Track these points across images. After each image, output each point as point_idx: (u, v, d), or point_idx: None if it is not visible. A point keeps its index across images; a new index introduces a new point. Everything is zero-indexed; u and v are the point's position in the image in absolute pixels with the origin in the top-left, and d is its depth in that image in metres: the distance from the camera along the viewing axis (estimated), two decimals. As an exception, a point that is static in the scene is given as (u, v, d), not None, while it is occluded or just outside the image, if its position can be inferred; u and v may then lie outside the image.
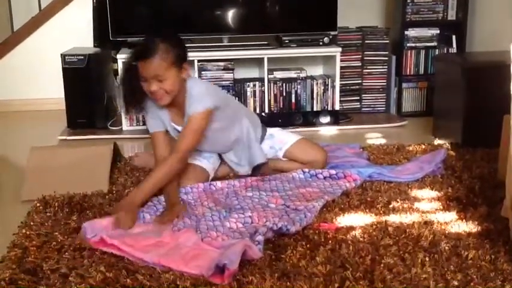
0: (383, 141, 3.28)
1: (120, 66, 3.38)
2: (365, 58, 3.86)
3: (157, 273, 1.69)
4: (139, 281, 1.64)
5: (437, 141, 3.12)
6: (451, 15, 3.83)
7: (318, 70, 4.01)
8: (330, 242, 1.88)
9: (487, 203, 2.19)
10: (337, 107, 3.72)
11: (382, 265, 1.71)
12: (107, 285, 1.64)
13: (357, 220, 2.07)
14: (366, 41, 3.84)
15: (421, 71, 3.87)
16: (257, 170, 2.57)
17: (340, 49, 3.66)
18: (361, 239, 1.91)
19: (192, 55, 3.42)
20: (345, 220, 2.07)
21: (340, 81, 3.72)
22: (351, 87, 3.90)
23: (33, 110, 4.19)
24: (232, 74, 3.63)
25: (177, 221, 2.06)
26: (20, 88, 4.23)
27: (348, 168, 2.56)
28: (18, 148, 3.26)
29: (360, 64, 3.87)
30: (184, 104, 2.31)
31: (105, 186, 2.47)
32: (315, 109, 3.72)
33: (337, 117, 3.69)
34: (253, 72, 3.90)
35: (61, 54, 3.53)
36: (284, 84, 3.68)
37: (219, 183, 2.44)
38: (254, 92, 3.67)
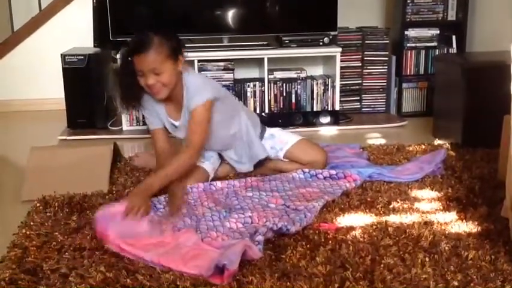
0: (383, 141, 3.28)
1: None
2: (365, 58, 3.87)
3: (157, 273, 1.69)
4: (139, 281, 1.64)
5: (437, 142, 3.12)
6: (451, 15, 3.83)
7: (318, 70, 4.01)
8: (330, 242, 1.88)
9: (487, 203, 2.19)
10: (337, 107, 3.72)
11: (382, 265, 1.71)
12: (107, 285, 1.64)
13: (357, 220, 2.07)
14: (366, 41, 3.84)
15: (421, 71, 3.87)
16: (258, 166, 2.57)
17: (340, 49, 3.66)
18: (361, 239, 1.91)
19: (192, 55, 3.43)
20: (345, 220, 2.07)
21: (340, 81, 3.72)
22: (351, 87, 3.90)
23: (33, 110, 4.19)
24: (232, 74, 3.63)
25: (176, 214, 2.08)
26: (20, 88, 4.23)
27: (348, 168, 2.56)
28: (18, 148, 3.26)
29: (360, 64, 3.87)
30: (182, 97, 2.33)
31: (105, 186, 2.47)
32: (315, 109, 3.72)
33: (337, 118, 3.69)
34: (253, 73, 3.90)
35: (61, 54, 3.53)
36: (284, 85, 3.68)
37: (219, 183, 2.45)
38: (254, 92, 3.67)
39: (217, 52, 3.61)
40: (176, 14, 3.69)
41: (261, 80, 3.67)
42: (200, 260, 1.73)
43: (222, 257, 1.68)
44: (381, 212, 2.15)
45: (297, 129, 3.47)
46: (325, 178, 2.49)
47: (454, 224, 2.02)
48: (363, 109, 3.94)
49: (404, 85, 3.88)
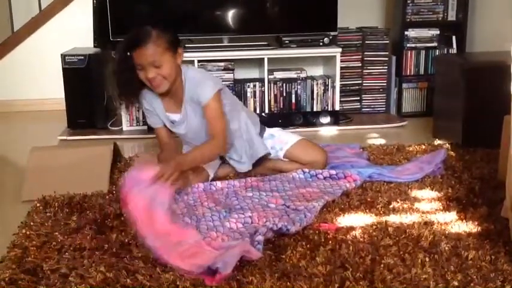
0: (383, 141, 3.28)
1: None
2: (365, 58, 3.87)
3: (157, 273, 1.69)
4: (139, 281, 1.64)
5: (437, 142, 3.12)
6: (451, 15, 3.84)
7: (318, 70, 4.01)
8: (330, 242, 1.88)
9: (487, 203, 2.19)
10: (337, 107, 3.72)
11: (382, 265, 1.70)
12: (107, 285, 1.64)
13: (357, 220, 2.07)
14: (366, 42, 3.84)
15: (421, 71, 3.88)
16: (258, 165, 2.58)
17: (340, 49, 3.66)
18: (361, 239, 1.90)
19: (192, 55, 3.43)
20: (345, 220, 2.07)
21: (340, 81, 3.72)
22: (351, 87, 3.90)
23: (33, 110, 4.20)
24: (232, 74, 3.64)
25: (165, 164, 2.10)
26: (20, 88, 4.23)
27: (348, 168, 2.56)
28: (18, 148, 3.26)
29: (360, 64, 3.87)
30: (182, 91, 2.36)
31: (105, 186, 2.47)
32: (315, 109, 3.72)
33: (337, 118, 3.69)
34: (254, 73, 3.90)
35: (61, 55, 3.54)
36: (284, 85, 3.69)
37: (219, 183, 2.45)
38: (254, 92, 3.67)
39: (217, 52, 3.62)
40: (176, 14, 3.69)
41: (261, 80, 3.67)
42: (198, 258, 1.73)
43: (217, 260, 1.67)
44: (381, 212, 2.15)
45: (297, 130, 3.47)
46: (325, 178, 2.49)
47: (454, 224, 2.02)
48: (363, 109, 3.94)
49: (404, 85, 3.88)
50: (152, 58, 2.23)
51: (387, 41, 3.85)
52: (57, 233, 1.99)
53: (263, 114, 3.63)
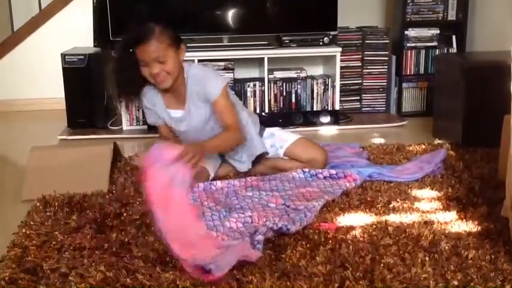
0: (383, 141, 3.28)
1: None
2: (365, 58, 3.86)
3: (157, 272, 1.69)
4: (139, 281, 1.64)
5: (437, 141, 3.12)
6: (451, 15, 3.84)
7: (318, 70, 4.01)
8: (330, 241, 1.88)
9: (487, 203, 2.19)
10: (337, 106, 3.72)
11: (382, 265, 1.70)
12: (107, 284, 1.64)
13: (357, 220, 2.07)
14: (366, 41, 3.84)
15: (421, 71, 3.87)
16: (256, 163, 2.58)
17: (340, 49, 3.66)
18: (361, 238, 1.90)
19: (192, 55, 3.43)
20: (345, 220, 2.07)
21: (340, 81, 3.72)
22: (351, 87, 3.90)
23: (33, 109, 4.20)
24: (232, 74, 3.64)
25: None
26: (20, 88, 4.23)
27: (348, 168, 2.56)
28: (18, 148, 3.26)
29: (360, 64, 3.87)
30: (185, 88, 2.38)
31: (105, 186, 2.47)
32: (315, 109, 3.72)
33: (337, 117, 3.69)
34: (254, 72, 3.90)
35: (61, 54, 3.54)
36: (284, 84, 3.69)
37: (219, 183, 2.44)
38: (254, 91, 3.67)
39: (218, 52, 3.62)
40: (176, 14, 3.69)
41: (261, 80, 3.67)
42: (198, 251, 1.71)
43: (213, 261, 1.66)
44: (381, 211, 2.15)
45: (297, 129, 3.47)
46: (325, 178, 2.49)
47: (454, 223, 2.02)
48: (363, 109, 3.94)
49: (404, 85, 3.88)
50: (156, 54, 2.25)
51: (387, 41, 3.84)
52: (57, 233, 1.99)
53: (263, 113, 3.63)
